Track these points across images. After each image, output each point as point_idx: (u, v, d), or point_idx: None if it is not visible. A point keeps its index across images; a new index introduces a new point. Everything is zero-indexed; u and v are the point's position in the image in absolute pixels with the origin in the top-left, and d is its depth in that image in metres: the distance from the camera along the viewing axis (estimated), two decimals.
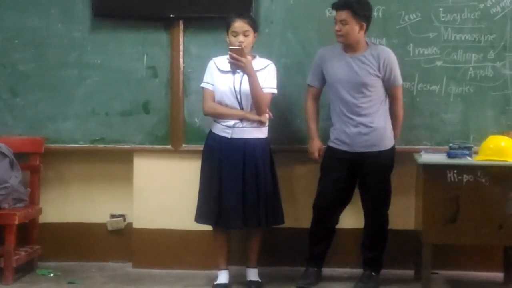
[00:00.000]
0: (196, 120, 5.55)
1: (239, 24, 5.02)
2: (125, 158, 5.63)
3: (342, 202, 5.24)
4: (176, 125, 5.56)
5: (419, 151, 5.27)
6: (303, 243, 5.34)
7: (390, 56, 5.13)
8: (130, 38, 5.56)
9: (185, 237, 5.57)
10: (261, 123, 5.10)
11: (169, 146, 5.59)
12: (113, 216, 5.75)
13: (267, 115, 5.13)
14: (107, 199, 5.73)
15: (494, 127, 5.39)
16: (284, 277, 5.40)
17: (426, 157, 5.10)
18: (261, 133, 5.12)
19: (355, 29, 5.03)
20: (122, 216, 5.75)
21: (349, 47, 5.11)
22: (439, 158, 5.08)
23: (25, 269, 5.48)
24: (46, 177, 5.69)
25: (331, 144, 5.19)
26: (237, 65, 4.98)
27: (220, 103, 5.11)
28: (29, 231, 5.56)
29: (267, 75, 5.09)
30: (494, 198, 4.92)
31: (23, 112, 5.61)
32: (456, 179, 4.94)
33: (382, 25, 5.36)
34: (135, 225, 5.67)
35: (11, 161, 5.39)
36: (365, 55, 5.09)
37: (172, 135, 5.58)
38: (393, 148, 5.17)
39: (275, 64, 5.17)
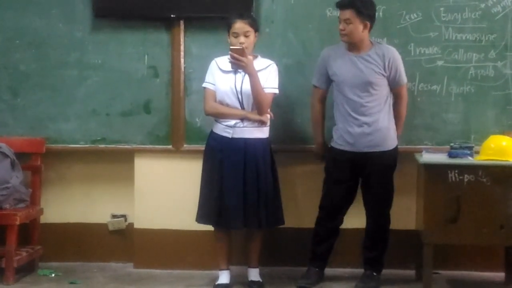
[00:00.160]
0: (197, 120, 5.55)
1: (239, 25, 5.01)
2: (126, 158, 5.63)
3: (346, 202, 5.24)
4: (177, 125, 5.56)
5: (420, 151, 5.27)
6: (304, 243, 5.34)
7: (395, 55, 5.13)
8: (131, 38, 5.56)
9: (186, 237, 5.57)
10: (262, 123, 5.09)
11: (170, 146, 5.59)
12: (114, 216, 5.76)
13: (268, 115, 5.13)
14: (108, 199, 5.73)
15: (495, 127, 5.39)
16: (285, 277, 5.40)
17: (427, 157, 5.10)
18: (262, 133, 5.12)
19: (359, 28, 5.03)
20: (123, 216, 5.75)
21: (353, 46, 5.11)
22: (440, 158, 5.08)
23: (26, 269, 5.48)
24: (47, 178, 5.69)
25: (334, 145, 5.19)
26: (238, 65, 4.98)
27: (221, 103, 5.10)
28: (30, 232, 5.56)
29: (268, 75, 5.09)
30: (495, 198, 4.91)
31: (24, 112, 5.61)
32: (457, 179, 4.93)
33: (383, 24, 5.35)
34: (136, 225, 5.67)
35: (12, 161, 5.39)
36: (370, 54, 5.09)
37: (173, 135, 5.58)
38: (396, 149, 5.17)
39: (276, 64, 5.17)
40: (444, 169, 4.95)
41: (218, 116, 5.12)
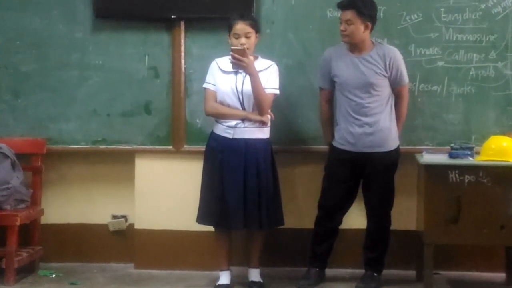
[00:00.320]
0: (197, 120, 5.55)
1: (240, 26, 5.01)
2: (127, 159, 5.63)
3: (346, 202, 5.24)
4: (177, 125, 5.56)
5: (420, 152, 5.27)
6: (305, 243, 5.34)
7: (396, 55, 5.12)
8: (131, 39, 5.56)
9: (187, 238, 5.57)
10: (263, 124, 5.10)
11: (170, 147, 5.59)
12: (114, 217, 5.76)
13: (268, 116, 5.13)
14: (109, 200, 5.73)
15: (495, 127, 5.39)
16: (285, 278, 5.40)
17: (428, 158, 5.10)
18: (263, 133, 5.12)
19: (360, 29, 5.03)
20: (124, 217, 5.75)
21: (355, 47, 5.11)
22: (440, 158, 5.08)
23: (27, 270, 5.48)
24: (48, 178, 5.69)
25: (335, 144, 5.19)
26: (239, 65, 4.98)
27: (222, 103, 5.11)
28: (31, 232, 5.56)
29: (269, 76, 5.09)
30: (496, 199, 4.91)
31: (25, 113, 5.61)
32: (458, 180, 4.93)
33: (383, 25, 5.35)
34: (136, 226, 5.67)
35: (12, 162, 5.39)
36: (371, 54, 5.09)
37: (173, 135, 5.58)
38: (397, 149, 5.17)
39: (277, 65, 5.17)
40: (444, 169, 4.94)
41: (219, 117, 5.12)
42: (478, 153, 5.10)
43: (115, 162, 5.68)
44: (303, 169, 5.59)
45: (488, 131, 5.33)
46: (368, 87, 5.06)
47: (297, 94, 5.48)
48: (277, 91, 5.12)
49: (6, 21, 5.59)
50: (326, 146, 5.34)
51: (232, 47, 4.98)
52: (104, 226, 5.74)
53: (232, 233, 5.27)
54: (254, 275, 5.22)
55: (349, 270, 5.51)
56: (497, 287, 5.35)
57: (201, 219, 5.19)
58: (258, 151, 5.08)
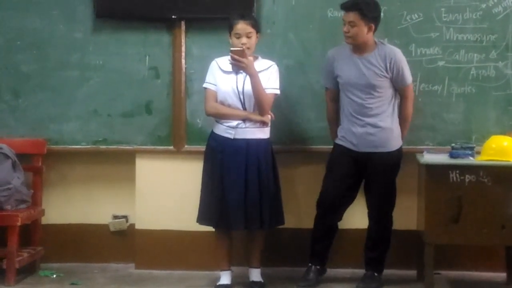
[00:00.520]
0: (198, 120, 5.55)
1: (242, 26, 5.01)
2: (127, 159, 5.63)
3: (346, 200, 5.23)
4: (178, 126, 5.56)
5: (421, 151, 5.27)
6: (305, 243, 5.34)
7: (397, 55, 5.11)
8: (132, 39, 5.56)
9: (187, 238, 5.57)
10: (263, 124, 5.10)
11: (171, 147, 5.60)
12: (115, 217, 5.76)
13: (269, 116, 5.13)
14: (110, 200, 5.73)
15: (496, 127, 5.39)
16: (286, 278, 5.40)
17: (428, 157, 5.10)
18: (264, 133, 5.12)
19: (363, 30, 5.02)
20: (125, 217, 5.75)
21: (357, 47, 5.10)
22: (441, 158, 5.08)
23: (28, 270, 5.48)
24: (49, 178, 5.69)
25: (338, 142, 5.19)
26: (238, 66, 4.98)
27: (222, 103, 5.10)
28: (31, 232, 5.56)
29: (269, 76, 5.09)
30: (496, 198, 4.92)
31: (25, 114, 5.61)
32: (459, 179, 4.93)
33: (384, 25, 5.33)
34: (137, 226, 5.67)
35: (13, 162, 5.39)
36: (373, 55, 5.08)
37: (174, 136, 5.58)
38: (399, 150, 5.16)
39: (277, 65, 5.17)
40: (445, 169, 4.95)
41: (219, 117, 5.12)
42: (478, 153, 5.10)
43: (115, 162, 5.68)
44: (303, 169, 5.59)
45: (489, 130, 5.33)
46: (369, 88, 5.06)
47: (298, 94, 5.48)
48: (278, 91, 5.12)
49: (7, 21, 5.59)
50: (327, 146, 5.34)
51: (231, 48, 4.98)
52: (105, 226, 5.74)
53: (233, 233, 5.26)
54: (255, 275, 5.23)
55: (349, 270, 5.51)
56: (498, 286, 5.35)
57: (201, 219, 5.19)
58: (259, 151, 5.08)
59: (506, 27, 5.38)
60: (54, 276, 5.48)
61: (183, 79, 5.54)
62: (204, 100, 5.17)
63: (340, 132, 5.19)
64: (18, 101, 5.61)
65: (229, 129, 5.07)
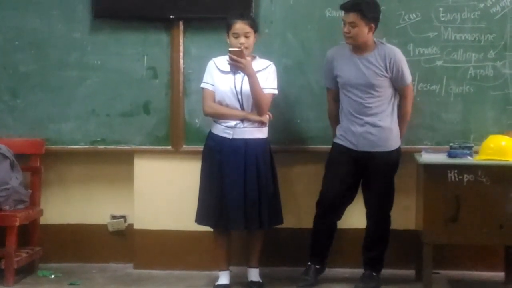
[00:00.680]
0: (196, 120, 5.55)
1: (240, 26, 5.01)
2: (126, 159, 5.63)
3: (346, 199, 5.23)
4: (176, 125, 5.56)
5: (419, 151, 5.27)
6: (304, 243, 5.34)
7: (396, 55, 5.11)
8: (130, 39, 5.56)
9: (186, 238, 5.57)
10: (262, 124, 5.10)
11: (169, 147, 5.60)
12: (114, 217, 5.76)
13: (267, 116, 5.13)
14: (108, 200, 5.73)
15: (494, 127, 5.39)
16: (285, 278, 5.40)
17: (427, 157, 5.10)
18: (262, 133, 5.12)
19: (364, 31, 5.02)
20: (123, 217, 5.75)
21: (357, 47, 5.10)
22: (439, 158, 5.08)
23: (26, 270, 5.48)
24: (47, 179, 5.68)
25: (337, 141, 5.20)
26: (236, 66, 4.98)
27: (220, 103, 5.10)
28: (30, 233, 5.56)
29: (267, 76, 5.09)
30: (494, 198, 4.91)
31: (24, 113, 5.61)
32: (457, 179, 4.93)
33: (382, 25, 5.30)
34: (136, 226, 5.67)
35: (11, 162, 5.39)
36: (373, 55, 5.08)
37: (172, 135, 5.58)
38: (398, 150, 5.17)
39: (275, 65, 5.17)
40: (443, 169, 4.95)
41: (218, 117, 5.12)
42: (477, 152, 5.10)
43: (114, 162, 5.68)
44: (302, 169, 5.59)
45: (487, 130, 5.33)
46: (369, 87, 5.06)
47: (296, 94, 5.48)
48: (276, 91, 5.12)
49: (5, 21, 5.58)
50: (325, 146, 5.34)
51: (230, 49, 4.97)
52: (103, 227, 5.74)
53: (231, 233, 5.26)
54: (254, 275, 5.22)
55: (348, 270, 5.51)
56: (496, 286, 5.35)
57: (200, 219, 5.19)
58: (257, 150, 5.08)
59: (504, 26, 5.39)
60: (53, 276, 5.48)
61: (181, 79, 5.54)
62: (202, 100, 5.17)
63: (339, 131, 5.20)
64: (16, 101, 5.61)
65: (227, 129, 5.07)
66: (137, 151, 5.62)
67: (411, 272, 5.44)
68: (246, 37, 5.02)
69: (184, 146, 5.58)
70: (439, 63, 5.42)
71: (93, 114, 5.59)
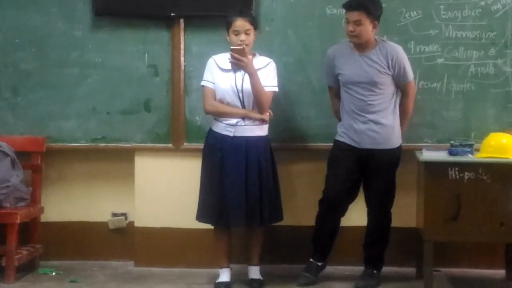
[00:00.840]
0: (197, 118, 5.55)
1: (240, 23, 5.01)
2: (127, 156, 5.63)
3: (349, 196, 5.22)
4: (177, 123, 5.56)
5: (420, 149, 5.27)
6: (305, 241, 5.34)
7: (399, 53, 5.11)
8: (131, 37, 5.56)
9: (186, 236, 5.58)
10: (263, 121, 5.10)
11: (170, 145, 5.60)
12: (114, 214, 5.76)
13: (268, 113, 5.13)
14: (109, 197, 5.74)
15: (495, 124, 5.39)
16: (285, 275, 5.40)
17: (428, 155, 5.10)
18: (262, 130, 5.12)
19: (368, 29, 5.01)
20: (124, 214, 5.76)
21: (359, 45, 5.09)
22: (440, 155, 5.08)
23: (27, 268, 5.48)
24: (48, 176, 5.69)
25: (339, 138, 5.19)
26: (238, 65, 4.97)
27: (221, 101, 5.10)
28: (30, 230, 5.56)
29: (268, 73, 5.09)
30: (495, 196, 4.91)
31: (25, 111, 5.61)
32: (458, 177, 4.93)
33: (383, 22, 5.30)
34: (136, 224, 5.67)
35: (12, 160, 5.39)
36: (375, 52, 5.08)
37: (173, 133, 5.58)
38: (400, 147, 5.16)
39: (276, 62, 5.17)
40: (444, 166, 4.94)
41: (219, 115, 5.11)
42: (477, 150, 5.10)
43: (115, 160, 5.68)
44: (302, 167, 5.59)
45: (488, 128, 5.33)
46: (371, 85, 5.06)
47: (297, 91, 5.48)
48: (276, 89, 5.12)
49: (6, 19, 5.58)
50: (326, 143, 5.35)
51: (232, 47, 4.97)
52: (104, 224, 5.74)
53: (232, 230, 5.26)
54: (254, 272, 5.23)
55: (349, 267, 5.51)
56: (497, 283, 5.35)
57: (200, 217, 5.19)
58: (258, 148, 5.08)
59: (505, 24, 5.38)
60: (54, 273, 5.49)
61: (182, 76, 5.54)
62: (203, 98, 5.17)
63: (341, 128, 5.20)
64: (17, 98, 5.61)
65: (228, 127, 5.07)
66: (138, 149, 5.62)
67: (411, 270, 5.44)
68: (247, 34, 5.02)
69: (184, 144, 5.58)
70: (440, 61, 5.42)
71: (94, 112, 5.59)
